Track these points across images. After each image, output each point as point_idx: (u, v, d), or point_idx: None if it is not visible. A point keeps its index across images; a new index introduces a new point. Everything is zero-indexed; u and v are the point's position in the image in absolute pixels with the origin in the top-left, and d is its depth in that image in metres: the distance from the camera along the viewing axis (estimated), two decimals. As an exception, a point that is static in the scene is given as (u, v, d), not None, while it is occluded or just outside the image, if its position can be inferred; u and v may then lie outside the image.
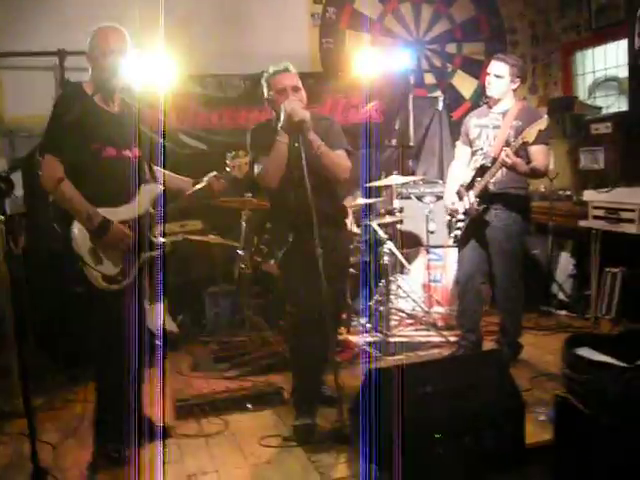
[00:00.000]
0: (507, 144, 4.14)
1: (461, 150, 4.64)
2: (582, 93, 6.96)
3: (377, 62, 5.89)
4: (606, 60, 6.71)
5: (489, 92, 4.39)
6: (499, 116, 4.36)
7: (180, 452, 3.51)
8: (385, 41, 6.66)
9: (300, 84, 3.67)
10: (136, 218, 3.35)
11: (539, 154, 4.23)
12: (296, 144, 3.46)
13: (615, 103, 6.56)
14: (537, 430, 3.37)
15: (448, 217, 4.55)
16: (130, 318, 3.37)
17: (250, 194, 5.06)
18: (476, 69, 6.94)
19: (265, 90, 3.72)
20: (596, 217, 5.20)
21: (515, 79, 4.32)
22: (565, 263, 5.99)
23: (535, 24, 7.22)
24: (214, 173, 3.58)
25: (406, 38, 6.80)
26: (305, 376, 3.73)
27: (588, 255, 5.50)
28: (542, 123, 4.00)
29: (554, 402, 2.89)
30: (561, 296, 5.92)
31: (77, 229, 3.14)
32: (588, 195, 5.33)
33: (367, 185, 5.24)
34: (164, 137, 5.71)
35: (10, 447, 3.61)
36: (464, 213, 4.41)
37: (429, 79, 6.92)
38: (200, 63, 5.92)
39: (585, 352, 3.07)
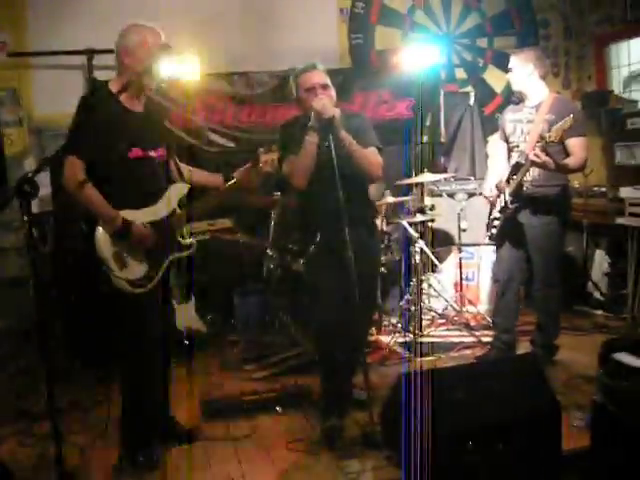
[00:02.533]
0: (541, 139, 4.02)
1: (498, 146, 4.60)
2: (617, 87, 6.79)
3: (407, 57, 5.81)
4: (642, 53, 6.55)
5: (514, 87, 4.40)
6: (532, 110, 4.28)
7: (207, 456, 3.47)
8: (415, 36, 6.56)
9: (329, 82, 3.61)
10: (164, 218, 3.31)
11: (574, 147, 4.12)
12: (326, 143, 3.39)
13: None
14: (573, 436, 3.26)
15: (490, 207, 4.48)
16: (156, 319, 3.34)
17: (279, 193, 5.02)
18: (508, 63, 6.80)
19: (293, 88, 3.66)
20: (633, 214, 5.09)
21: (534, 70, 4.25)
22: (600, 261, 5.87)
23: (568, 16, 7.05)
24: (248, 166, 3.50)
25: (436, 33, 6.70)
26: (335, 378, 3.67)
27: (624, 253, 5.40)
28: (567, 122, 3.86)
29: (591, 407, 2.80)
30: (597, 295, 5.80)
31: (100, 232, 3.10)
32: (625, 192, 5.23)
33: (398, 183, 5.17)
34: (192, 135, 5.75)
35: (36, 449, 3.58)
36: (500, 211, 4.35)
37: (460, 74, 6.81)
38: (228, 60, 5.91)
39: (623, 357, 2.98)
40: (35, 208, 4.31)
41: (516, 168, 4.22)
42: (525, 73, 4.26)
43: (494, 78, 6.78)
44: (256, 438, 3.65)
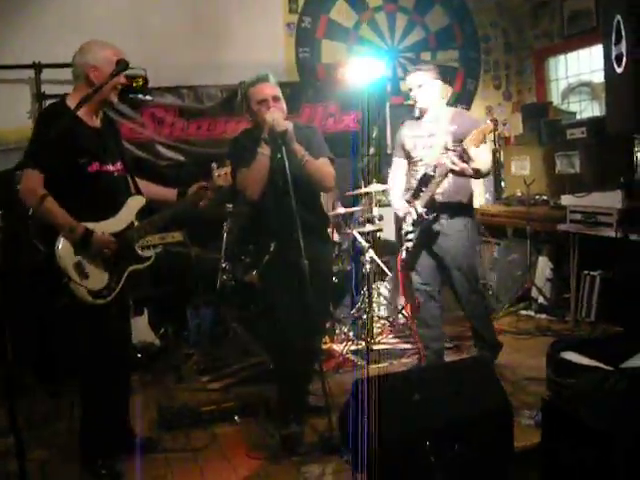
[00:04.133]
0: (446, 150, 4.10)
1: (398, 164, 4.58)
2: (556, 99, 7.04)
3: (353, 71, 5.91)
4: (579, 66, 6.80)
5: (420, 104, 4.39)
6: (431, 124, 4.34)
7: (169, 467, 3.47)
8: (361, 50, 6.68)
9: (280, 94, 3.64)
10: (123, 230, 3.33)
11: (482, 152, 4.17)
12: (279, 155, 3.43)
13: (588, 108, 6.65)
14: (522, 434, 3.38)
15: (405, 225, 4.43)
16: (116, 330, 3.36)
17: (231, 205, 5.04)
18: (451, 76, 6.99)
19: (245, 100, 3.68)
20: (574, 221, 5.27)
21: (435, 83, 4.34)
22: (543, 267, 6.05)
23: (508, 32, 7.30)
24: (202, 183, 3.52)
25: (381, 47, 6.84)
26: (291, 386, 3.72)
27: (566, 259, 5.58)
28: (488, 128, 4.03)
29: (541, 406, 2.91)
30: (540, 300, 5.97)
31: (61, 244, 3.12)
32: (566, 199, 5.40)
33: (348, 194, 5.26)
34: (142, 149, 5.75)
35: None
36: (412, 224, 4.35)
37: (405, 87, 6.92)
38: (176, 74, 5.93)
39: (570, 356, 3.10)
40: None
41: (425, 180, 4.24)
42: (433, 89, 4.34)
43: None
44: (216, 448, 3.67)
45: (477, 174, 4.19)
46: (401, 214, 4.43)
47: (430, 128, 4.34)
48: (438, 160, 4.13)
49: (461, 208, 4.38)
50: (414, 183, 4.35)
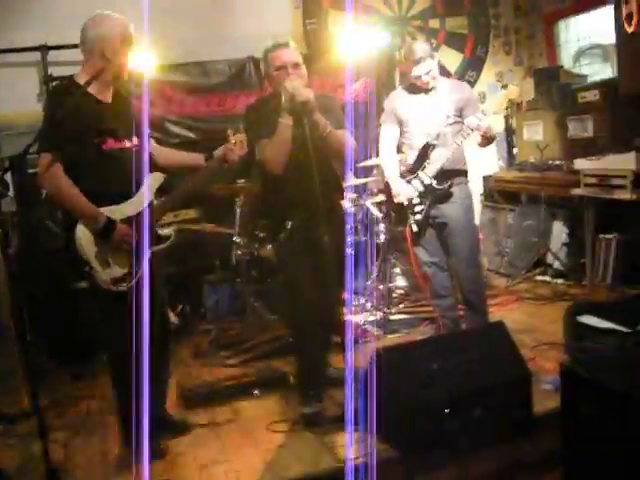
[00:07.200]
0: (447, 118, 4.12)
1: (390, 132, 4.45)
2: (567, 62, 6.96)
3: (361, 40, 5.86)
4: (590, 28, 6.70)
5: (430, 85, 4.24)
6: (428, 94, 4.27)
7: (190, 442, 3.51)
8: (368, 19, 6.61)
9: (301, 60, 3.51)
10: (143, 210, 3.21)
11: (485, 119, 4.09)
12: (301, 125, 3.32)
13: (600, 70, 6.57)
14: (542, 399, 3.39)
15: (406, 205, 4.32)
16: (144, 310, 3.31)
17: (243, 180, 5.04)
18: (460, 43, 6.94)
19: (263, 66, 3.58)
20: (588, 185, 5.23)
21: (436, 62, 4.26)
22: (559, 232, 6.02)
23: (517, -5, 7.20)
24: (228, 145, 3.36)
25: (389, 15, 6.77)
26: (310, 359, 3.72)
27: (582, 223, 5.55)
28: (513, 92, 3.99)
29: (560, 370, 2.91)
30: (557, 265, 5.95)
31: (81, 231, 3.04)
32: (579, 163, 5.35)
33: (361, 164, 5.24)
34: (153, 128, 5.74)
35: (20, 449, 3.59)
36: (419, 196, 4.28)
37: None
38: (183, 51, 5.90)
39: (588, 319, 3.12)
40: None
41: (425, 150, 4.21)
42: (436, 68, 4.25)
43: (447, 58, 6.86)
44: (237, 422, 3.70)
45: (491, 139, 4.19)
46: (403, 199, 4.30)
47: (429, 98, 4.27)
48: (440, 129, 4.13)
49: (463, 175, 4.37)
50: (412, 154, 4.31)
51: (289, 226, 3.57)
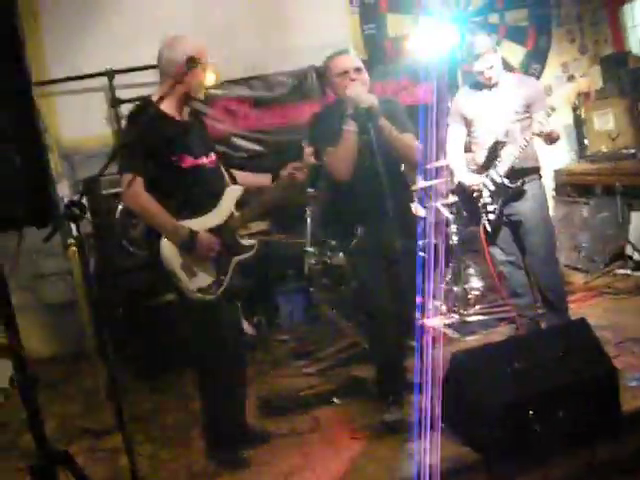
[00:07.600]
0: (515, 114, 4.06)
1: (457, 131, 4.45)
2: (635, 47, 6.75)
3: (422, 42, 5.82)
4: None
5: (493, 80, 4.19)
6: (495, 89, 4.21)
7: (272, 452, 3.53)
8: (427, 20, 6.56)
9: (362, 65, 3.55)
10: (224, 223, 3.31)
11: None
12: (366, 132, 3.33)
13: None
14: (630, 396, 3.29)
15: (468, 196, 4.33)
16: (228, 321, 3.40)
17: (312, 189, 5.05)
18: (522, 36, 6.81)
19: (325, 74, 3.62)
20: (666, 172, 5.07)
21: (499, 56, 4.20)
22: (637, 222, 5.84)
23: (579, -18, 7.03)
24: (295, 163, 3.42)
25: (447, 14, 6.69)
26: (388, 365, 3.71)
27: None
28: (583, 84, 3.89)
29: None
30: (636, 257, 5.77)
31: (166, 247, 3.13)
32: (655, 150, 5.20)
33: (429, 166, 5.19)
34: (221, 143, 5.83)
35: (107, 463, 3.67)
36: (491, 196, 4.23)
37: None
38: (244, 66, 5.98)
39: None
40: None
41: (495, 148, 4.15)
42: (499, 63, 4.19)
43: (510, 52, 6.75)
44: (318, 431, 3.70)
45: (556, 140, 4.12)
46: (475, 187, 4.28)
47: (493, 94, 4.22)
48: (509, 127, 4.06)
49: (535, 171, 4.28)
50: (481, 153, 4.26)
51: (359, 232, 3.59)
